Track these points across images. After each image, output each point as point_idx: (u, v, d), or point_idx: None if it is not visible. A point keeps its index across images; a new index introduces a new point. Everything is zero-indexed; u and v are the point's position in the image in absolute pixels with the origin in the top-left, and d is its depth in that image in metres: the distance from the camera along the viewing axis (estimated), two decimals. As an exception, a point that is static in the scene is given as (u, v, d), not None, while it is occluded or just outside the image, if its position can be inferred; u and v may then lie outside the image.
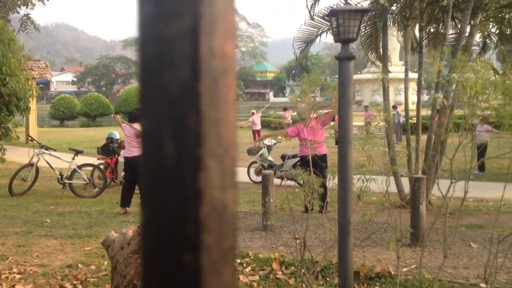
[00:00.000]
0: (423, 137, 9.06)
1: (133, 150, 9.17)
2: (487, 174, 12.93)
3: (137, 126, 9.14)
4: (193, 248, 0.46)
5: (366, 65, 33.81)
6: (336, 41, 3.76)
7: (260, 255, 6.13)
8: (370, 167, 4.69)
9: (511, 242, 4.66)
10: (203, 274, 0.46)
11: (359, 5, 8.80)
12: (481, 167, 12.89)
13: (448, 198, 3.92)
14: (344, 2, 8.79)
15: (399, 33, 10.44)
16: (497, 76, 6.39)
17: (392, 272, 5.37)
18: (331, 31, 6.85)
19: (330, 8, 3.94)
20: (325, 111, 7.68)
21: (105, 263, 5.81)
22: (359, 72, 35.58)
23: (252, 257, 6.06)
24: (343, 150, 3.58)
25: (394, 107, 22.32)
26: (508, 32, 9.77)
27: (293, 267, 5.57)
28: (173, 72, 0.46)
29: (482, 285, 5.03)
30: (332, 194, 5.44)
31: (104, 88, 76.94)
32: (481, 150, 10.29)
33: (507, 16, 9.61)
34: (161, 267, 0.47)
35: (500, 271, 5.57)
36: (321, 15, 8.83)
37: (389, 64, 30.50)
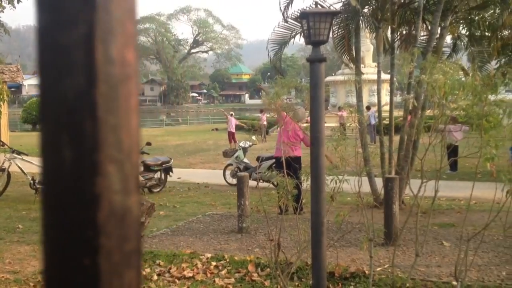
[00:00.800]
0: (397, 138, 9.18)
1: None
2: (459, 173, 13.15)
3: None
4: (92, 251, 0.47)
5: (341, 67, 34.10)
6: (307, 43, 3.79)
7: (236, 258, 6.13)
8: (343, 168, 4.74)
9: (481, 240, 4.76)
10: (103, 276, 0.47)
11: (331, 8, 8.88)
12: (454, 167, 13.10)
13: (419, 197, 3.98)
14: (317, 2, 8.86)
15: (371, 35, 10.55)
16: (467, 76, 6.51)
17: (366, 272, 5.42)
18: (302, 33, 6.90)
19: (302, 11, 3.97)
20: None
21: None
22: (333, 74, 35.84)
23: (227, 260, 6.06)
24: (316, 151, 3.61)
25: (368, 108, 22.52)
26: (478, 34, 9.97)
27: (268, 269, 5.58)
28: (69, 79, 0.47)
29: (454, 283, 5.11)
30: (306, 195, 5.47)
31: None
32: (454, 149, 10.49)
33: (476, 18, 9.81)
34: (62, 270, 0.47)
35: (471, 268, 5.67)
36: (294, 17, 8.88)
37: (362, 65, 30.68)
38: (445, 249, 6.53)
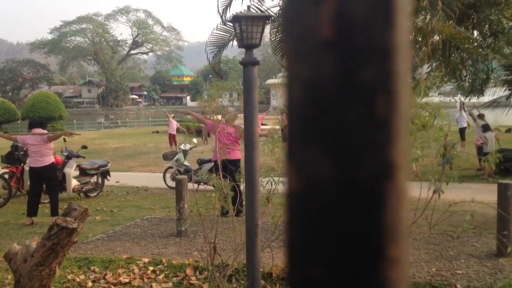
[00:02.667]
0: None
1: (41, 159, 8.75)
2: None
3: (38, 131, 8.77)
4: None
5: (281, 69, 34.45)
6: (240, 46, 3.82)
7: (174, 262, 6.07)
8: (279, 170, 4.80)
9: (411, 238, 4.97)
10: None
11: (269, 11, 8.99)
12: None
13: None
14: (255, 7, 8.95)
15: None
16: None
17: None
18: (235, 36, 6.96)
19: (234, 14, 4.00)
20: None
21: (9, 276, 5.51)
22: (274, 77, 36.20)
23: (165, 264, 6.00)
24: (250, 153, 3.64)
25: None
26: (410, 39, 10.36)
27: (206, 272, 5.56)
28: None
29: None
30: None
31: (10, 93, 72.88)
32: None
33: (408, 23, 10.18)
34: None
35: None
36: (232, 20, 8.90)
37: (302, 68, 31.13)
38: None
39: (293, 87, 0.43)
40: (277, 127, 5.81)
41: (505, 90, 9.74)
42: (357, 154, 0.41)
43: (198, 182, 11.06)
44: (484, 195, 8.69)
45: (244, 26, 3.53)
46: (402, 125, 0.41)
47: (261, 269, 5.43)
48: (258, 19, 3.58)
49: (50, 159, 8.93)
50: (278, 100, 33.59)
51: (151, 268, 5.90)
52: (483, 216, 7.68)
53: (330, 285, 0.42)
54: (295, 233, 0.44)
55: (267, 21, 4.34)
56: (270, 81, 33.34)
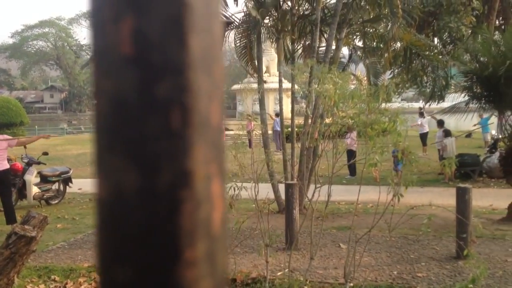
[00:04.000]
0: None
1: (2, 163, 8.57)
2: (358, 178, 13.77)
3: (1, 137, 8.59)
4: None
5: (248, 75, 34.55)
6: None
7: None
8: (242, 175, 4.81)
9: (372, 241, 5.03)
10: None
11: (233, 17, 9.01)
12: (352, 172, 13.69)
13: (313, 202, 4.12)
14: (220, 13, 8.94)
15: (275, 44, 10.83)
16: (359, 86, 6.86)
17: (268, 277, 5.53)
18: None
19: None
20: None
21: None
22: (240, 82, 36.22)
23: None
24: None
25: (277, 115, 22.94)
26: (373, 46, 10.55)
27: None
28: None
29: (351, 284, 5.35)
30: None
31: (-32, 98, 70.81)
32: (351, 155, 10.97)
33: (370, 30, 10.38)
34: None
35: (365, 269, 5.97)
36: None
37: (268, 74, 31.29)
38: (342, 251, 6.80)
39: (99, 100, 0.45)
40: (241, 132, 5.82)
41: (464, 96, 10.04)
42: (156, 164, 0.43)
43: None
44: (444, 199, 8.90)
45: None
46: (197, 137, 0.44)
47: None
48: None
49: (6, 164, 8.75)
50: (244, 105, 33.63)
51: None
52: (443, 220, 7.86)
53: (135, 286, 0.44)
54: (104, 238, 0.46)
55: (227, 28, 4.35)
56: (235, 86, 33.36)
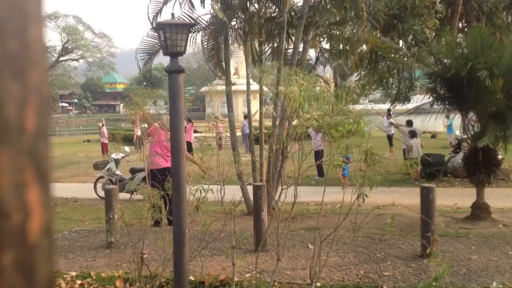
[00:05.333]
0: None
1: None
2: (327, 178, 13.85)
3: None
4: None
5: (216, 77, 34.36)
6: (164, 54, 3.78)
7: (103, 274, 5.90)
8: (209, 177, 4.79)
9: (338, 241, 5.08)
10: None
11: (199, 19, 8.98)
12: (321, 172, 13.78)
13: (281, 203, 4.13)
14: (186, 14, 8.90)
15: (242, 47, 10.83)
16: (325, 88, 6.90)
17: (236, 279, 5.51)
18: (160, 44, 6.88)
19: (158, 22, 3.96)
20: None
21: None
22: (208, 84, 36.09)
23: (94, 277, 5.82)
24: (176, 162, 3.60)
25: (246, 117, 22.92)
26: (340, 48, 10.64)
27: (138, 283, 5.45)
28: None
29: (318, 284, 5.38)
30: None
31: None
32: (319, 156, 11.06)
33: (337, 33, 10.47)
34: None
35: (333, 269, 6.01)
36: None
37: (236, 76, 31.31)
38: (310, 251, 6.83)
39: None
40: (208, 134, 5.80)
41: (429, 97, 10.23)
42: None
43: (131, 192, 10.84)
44: (410, 198, 9.05)
45: (169, 34, 3.49)
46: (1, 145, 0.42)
47: (193, 278, 5.38)
48: (182, 27, 3.55)
49: None
50: (213, 107, 33.50)
51: (79, 282, 5.71)
52: (409, 219, 7.99)
53: None
54: None
55: (192, 29, 4.33)
56: (204, 88, 33.27)
